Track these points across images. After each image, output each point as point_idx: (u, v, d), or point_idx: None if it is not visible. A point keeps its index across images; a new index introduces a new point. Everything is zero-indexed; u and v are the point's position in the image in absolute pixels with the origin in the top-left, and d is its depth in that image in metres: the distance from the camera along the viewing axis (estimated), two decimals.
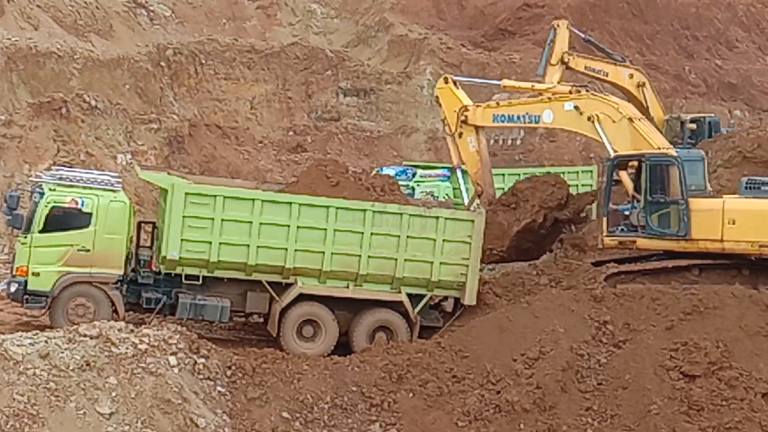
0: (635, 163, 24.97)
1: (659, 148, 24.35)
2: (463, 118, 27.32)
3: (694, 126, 38.80)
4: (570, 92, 26.53)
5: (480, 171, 27.29)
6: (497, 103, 27.71)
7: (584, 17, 48.36)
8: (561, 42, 33.36)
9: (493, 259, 26.35)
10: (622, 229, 24.16)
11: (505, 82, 29.79)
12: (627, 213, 24.35)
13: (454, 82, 28.06)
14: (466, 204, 27.45)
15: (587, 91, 26.51)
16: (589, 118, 25.33)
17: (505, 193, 27.58)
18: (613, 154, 24.79)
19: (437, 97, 28.42)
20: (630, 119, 25.08)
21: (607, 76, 34.10)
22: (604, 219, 24.22)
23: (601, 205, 24.56)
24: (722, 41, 57.49)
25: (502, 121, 27.59)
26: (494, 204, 26.91)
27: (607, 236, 24.18)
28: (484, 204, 26.58)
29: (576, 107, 25.72)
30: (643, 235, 23.70)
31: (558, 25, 33.79)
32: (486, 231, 24.20)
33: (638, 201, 24.17)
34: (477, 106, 27.54)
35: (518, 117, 27.05)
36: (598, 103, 25.65)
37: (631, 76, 34.28)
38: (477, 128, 27.36)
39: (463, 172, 28.17)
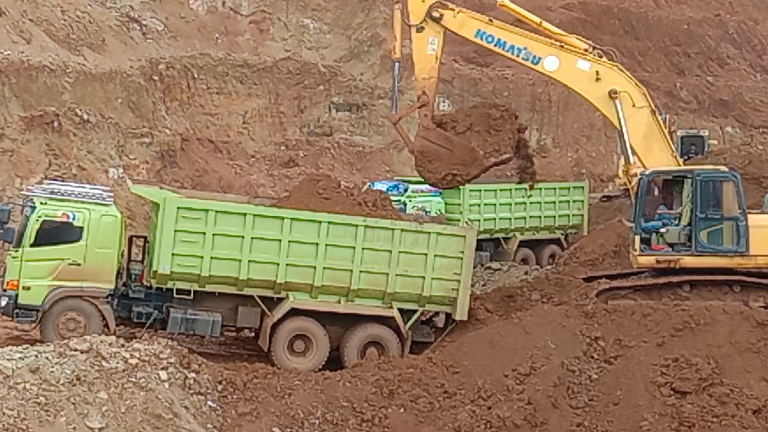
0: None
1: (672, 153, 24.16)
2: (436, 15, 23.84)
3: (715, 142, 39.00)
4: (586, 51, 24.20)
5: (432, 79, 24.13)
6: (489, 19, 24.21)
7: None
8: None
9: (451, 184, 24.53)
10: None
11: (503, 0, 25.09)
12: (662, 230, 23.40)
13: None
14: (393, 111, 24.59)
15: (610, 60, 24.30)
16: (612, 93, 23.57)
17: (459, 111, 24.89)
18: (628, 142, 23.47)
19: None
20: (652, 111, 24.01)
21: None
22: (637, 237, 23.23)
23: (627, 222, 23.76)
24: (713, 58, 57.76)
25: (489, 42, 24.12)
26: (440, 120, 24.33)
27: (641, 255, 23.23)
28: (424, 118, 24.13)
29: (597, 72, 23.77)
30: (688, 253, 22.97)
31: None
32: (451, 154, 23.35)
33: (672, 217, 23.50)
34: (460, 10, 24.18)
35: (512, 48, 24.02)
36: (624, 81, 23.94)
37: None
38: (446, 31, 24.04)
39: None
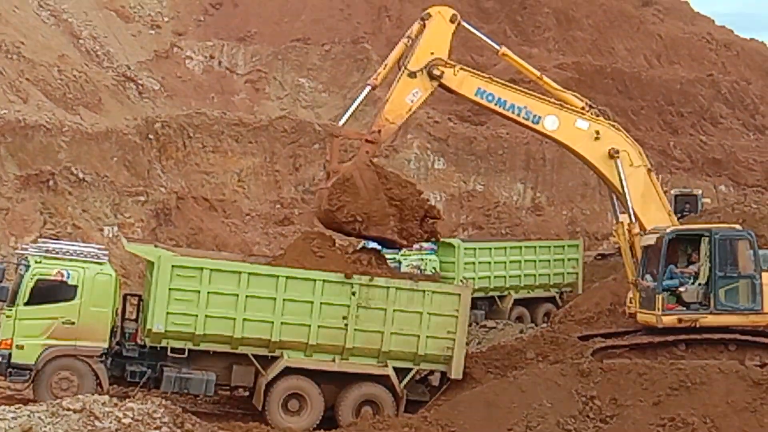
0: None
1: (668, 212, 24.17)
2: (436, 72, 23.17)
3: (709, 201, 39.09)
4: (583, 109, 24.07)
5: (394, 126, 23.66)
6: (489, 77, 23.86)
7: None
8: None
9: (342, 227, 23.32)
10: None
11: (506, 50, 24.75)
12: (680, 289, 23.21)
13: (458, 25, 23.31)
14: (341, 123, 24.21)
15: (606, 120, 24.27)
16: (612, 153, 23.58)
17: (397, 177, 24.27)
18: (630, 202, 23.44)
19: (429, 15, 23.37)
20: (649, 170, 24.10)
21: None
22: (660, 296, 23.04)
23: (640, 280, 23.50)
24: (707, 117, 58.14)
25: (488, 101, 23.60)
26: (376, 167, 23.77)
27: (665, 314, 23.00)
28: (365, 154, 23.48)
29: (596, 131, 23.74)
30: (707, 312, 22.86)
31: None
32: (368, 204, 22.97)
33: (688, 276, 23.39)
34: (462, 67, 23.54)
35: (512, 107, 23.61)
36: (621, 140, 23.93)
37: None
38: (436, 89, 23.44)
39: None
